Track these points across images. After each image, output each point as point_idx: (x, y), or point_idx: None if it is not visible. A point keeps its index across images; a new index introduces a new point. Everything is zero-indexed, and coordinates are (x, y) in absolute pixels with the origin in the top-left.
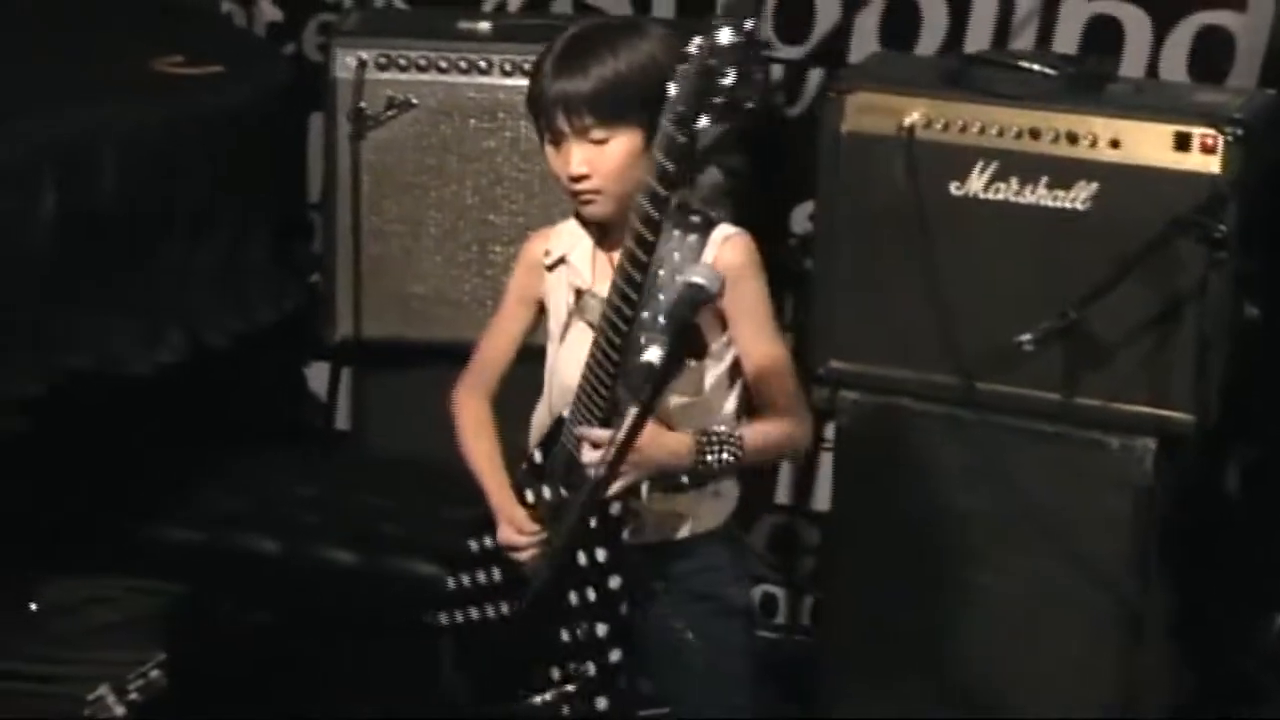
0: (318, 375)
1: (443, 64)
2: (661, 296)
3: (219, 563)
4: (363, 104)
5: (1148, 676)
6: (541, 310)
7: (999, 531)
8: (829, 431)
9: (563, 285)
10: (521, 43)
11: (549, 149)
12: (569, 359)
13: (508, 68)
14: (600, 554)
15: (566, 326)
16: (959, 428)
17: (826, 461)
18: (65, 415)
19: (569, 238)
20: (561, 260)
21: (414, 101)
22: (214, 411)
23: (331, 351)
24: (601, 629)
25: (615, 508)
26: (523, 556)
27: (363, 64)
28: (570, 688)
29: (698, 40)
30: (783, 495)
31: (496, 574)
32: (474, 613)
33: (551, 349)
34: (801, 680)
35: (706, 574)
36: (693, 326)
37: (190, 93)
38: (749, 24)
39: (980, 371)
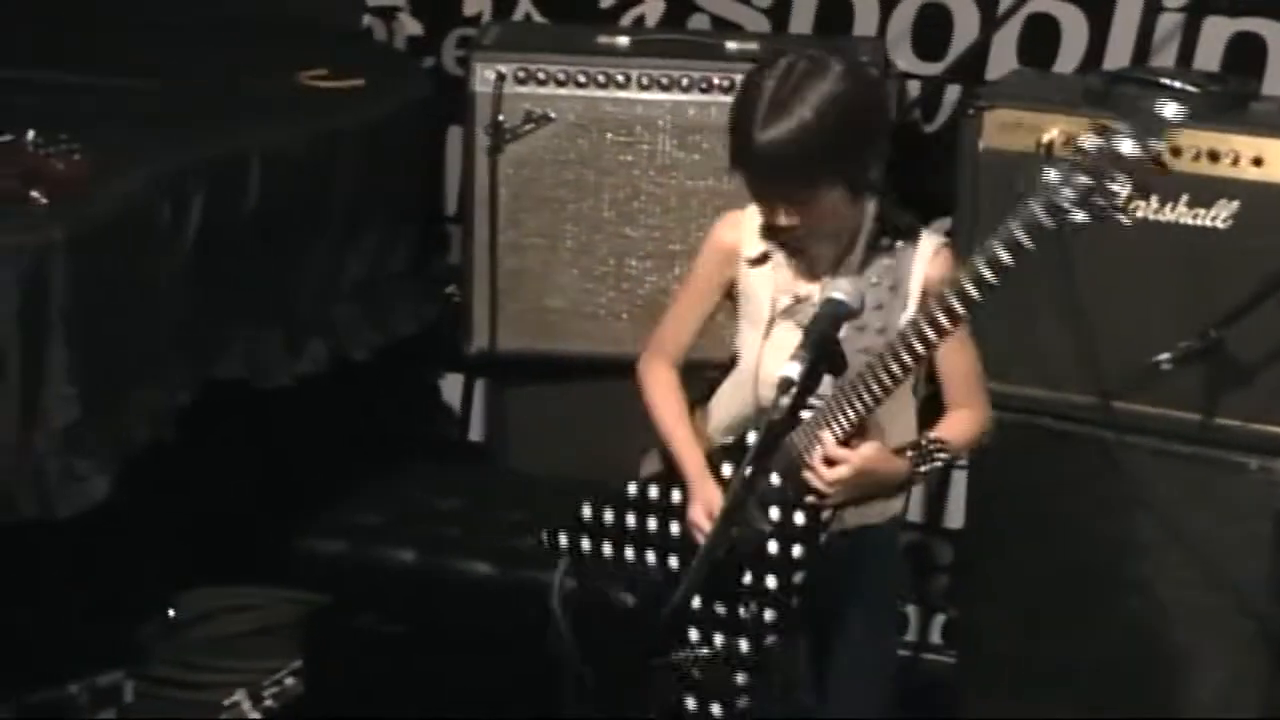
0: (452, 387)
1: (581, 78)
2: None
3: (358, 573)
4: (501, 117)
5: None
6: (727, 295)
7: (1137, 553)
8: None
9: (767, 281)
10: (659, 57)
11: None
12: (780, 355)
13: (645, 82)
14: (796, 550)
15: (770, 325)
16: (1097, 448)
17: (959, 480)
18: (210, 426)
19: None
20: (766, 256)
21: (552, 115)
22: (353, 422)
23: (467, 364)
24: (769, 614)
25: (827, 513)
26: (699, 538)
27: (501, 78)
28: (706, 653)
29: (1097, 140)
30: (915, 513)
31: (649, 523)
32: (604, 548)
33: (752, 338)
34: (933, 699)
35: (885, 561)
36: (834, 341)
37: (334, 106)
38: (1156, 145)
39: (1119, 391)
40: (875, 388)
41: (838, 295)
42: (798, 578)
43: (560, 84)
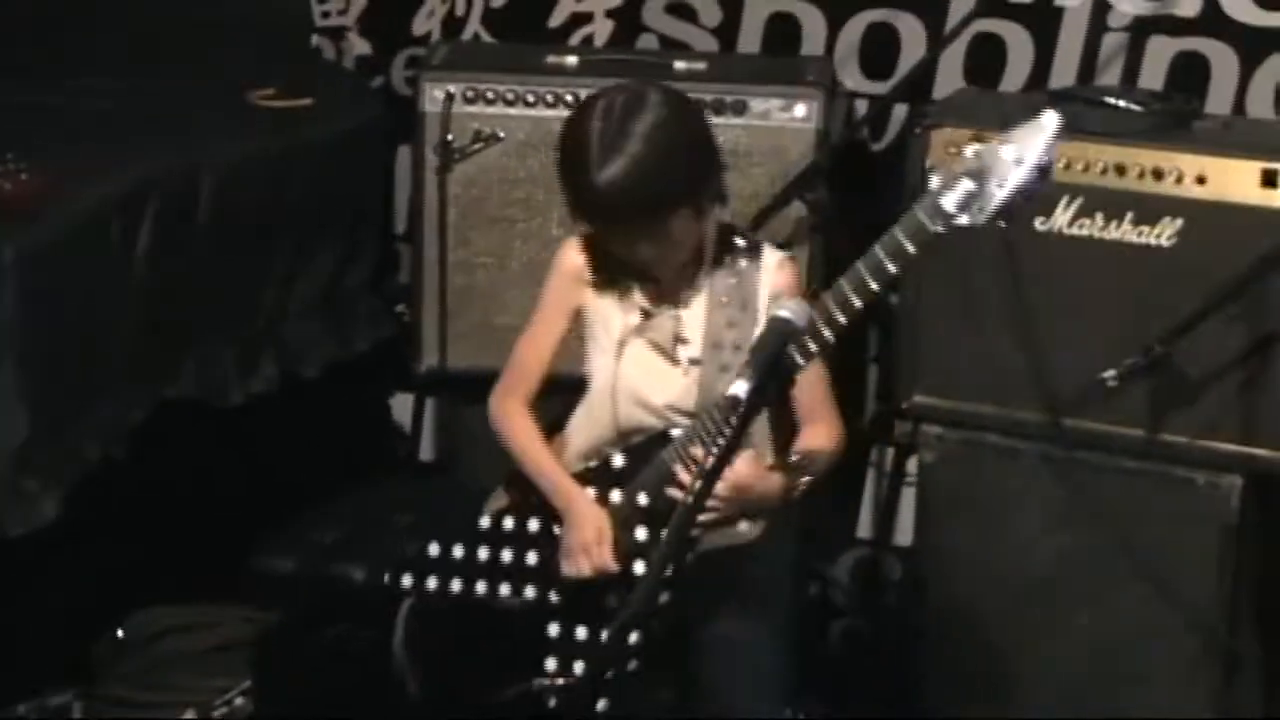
0: (402, 406)
1: (530, 98)
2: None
3: (310, 591)
4: (450, 137)
5: (1238, 713)
6: (576, 319)
7: (1085, 568)
8: (912, 466)
9: (616, 301)
10: (608, 77)
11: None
12: (634, 372)
13: None
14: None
15: (623, 343)
16: (1044, 464)
17: (909, 496)
18: (162, 443)
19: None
20: (612, 278)
21: (500, 135)
22: (304, 440)
23: (417, 382)
24: (633, 637)
25: (695, 531)
26: (584, 566)
27: (450, 97)
28: (563, 681)
29: (977, 148)
30: (865, 529)
31: (503, 555)
32: (453, 585)
33: (603, 361)
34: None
35: (754, 578)
36: (781, 361)
37: (284, 125)
38: (1036, 151)
39: (1066, 407)
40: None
41: (784, 314)
42: (663, 598)
43: (509, 103)
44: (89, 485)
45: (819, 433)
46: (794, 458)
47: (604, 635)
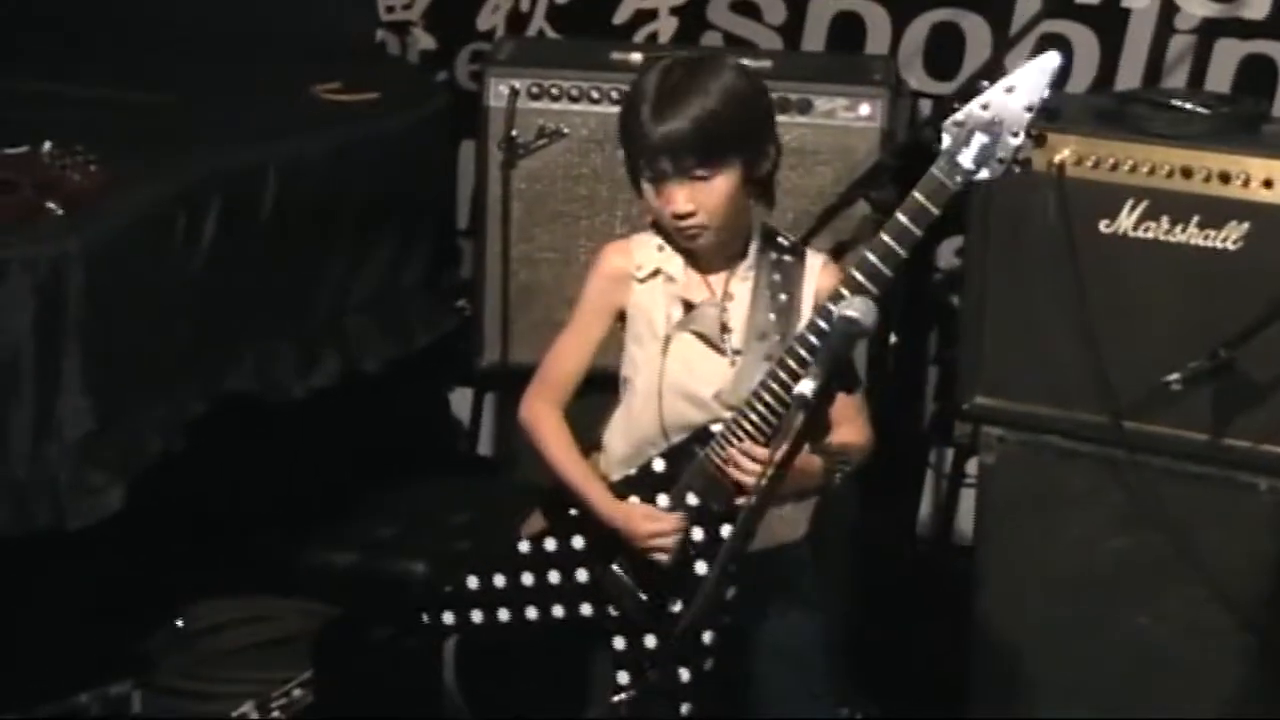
0: (461, 401)
1: (594, 94)
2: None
3: (369, 585)
4: (514, 132)
5: None
6: (617, 321)
7: (1145, 572)
8: (971, 467)
9: (660, 296)
10: None
11: (648, 188)
12: (680, 367)
13: None
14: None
15: (668, 338)
16: (1105, 467)
17: (968, 497)
18: (222, 436)
19: (655, 251)
20: (656, 273)
21: (565, 131)
22: (363, 435)
23: (476, 377)
24: (708, 636)
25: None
26: (667, 546)
27: (515, 93)
28: (639, 691)
29: (984, 100)
30: (923, 530)
31: (550, 577)
32: (500, 615)
33: (646, 357)
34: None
35: (800, 577)
36: (847, 360)
37: (348, 119)
38: (1044, 94)
39: (1129, 411)
40: (783, 391)
41: (852, 313)
42: (730, 593)
43: (573, 99)
44: (150, 477)
45: (851, 433)
46: (831, 444)
47: (673, 638)
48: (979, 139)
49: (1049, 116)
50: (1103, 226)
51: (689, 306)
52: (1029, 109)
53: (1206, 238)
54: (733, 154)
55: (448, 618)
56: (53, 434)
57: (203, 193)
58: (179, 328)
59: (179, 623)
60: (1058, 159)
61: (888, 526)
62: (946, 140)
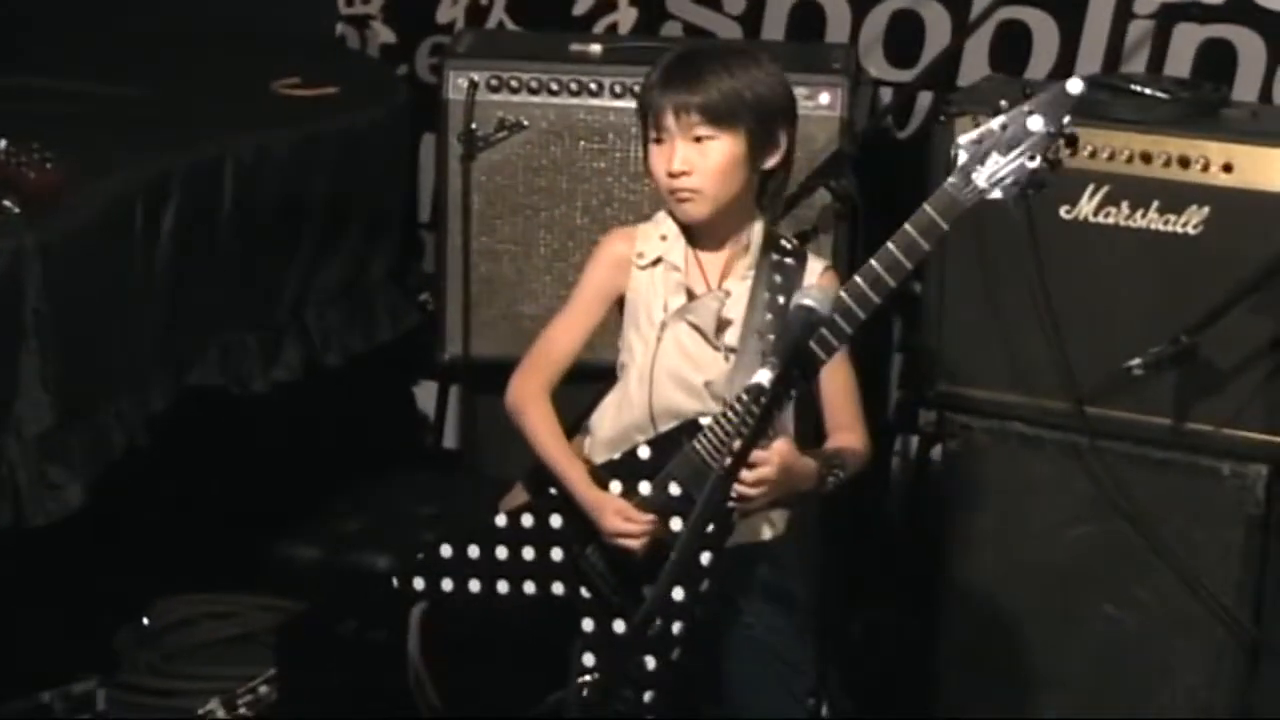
0: (426, 394)
1: (554, 86)
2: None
3: (334, 580)
4: (474, 125)
5: (1262, 703)
6: (613, 307)
7: (1109, 557)
8: (936, 455)
9: (660, 284)
10: (632, 65)
11: (652, 147)
12: (673, 352)
13: (618, 90)
14: (704, 557)
15: (663, 325)
16: (1069, 453)
17: (933, 484)
18: (185, 431)
19: (658, 239)
20: (658, 260)
21: (525, 123)
22: (328, 429)
23: (441, 371)
24: (677, 627)
25: (734, 517)
26: (634, 544)
27: (474, 85)
28: (600, 678)
29: (1003, 119)
30: (888, 519)
31: (524, 553)
32: (471, 585)
33: (642, 342)
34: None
35: (779, 573)
36: (806, 348)
37: (308, 113)
38: (1065, 120)
39: (1091, 396)
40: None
41: (808, 302)
42: (704, 587)
43: (533, 91)
44: (112, 473)
45: (848, 440)
46: (828, 449)
47: (632, 626)
48: (994, 159)
49: (1067, 141)
50: (1063, 212)
51: (690, 297)
52: (1049, 133)
53: (1167, 223)
54: (738, 123)
55: (418, 583)
56: (11, 431)
57: (162, 188)
58: (141, 323)
59: (144, 620)
60: None
61: (853, 515)
62: (962, 156)
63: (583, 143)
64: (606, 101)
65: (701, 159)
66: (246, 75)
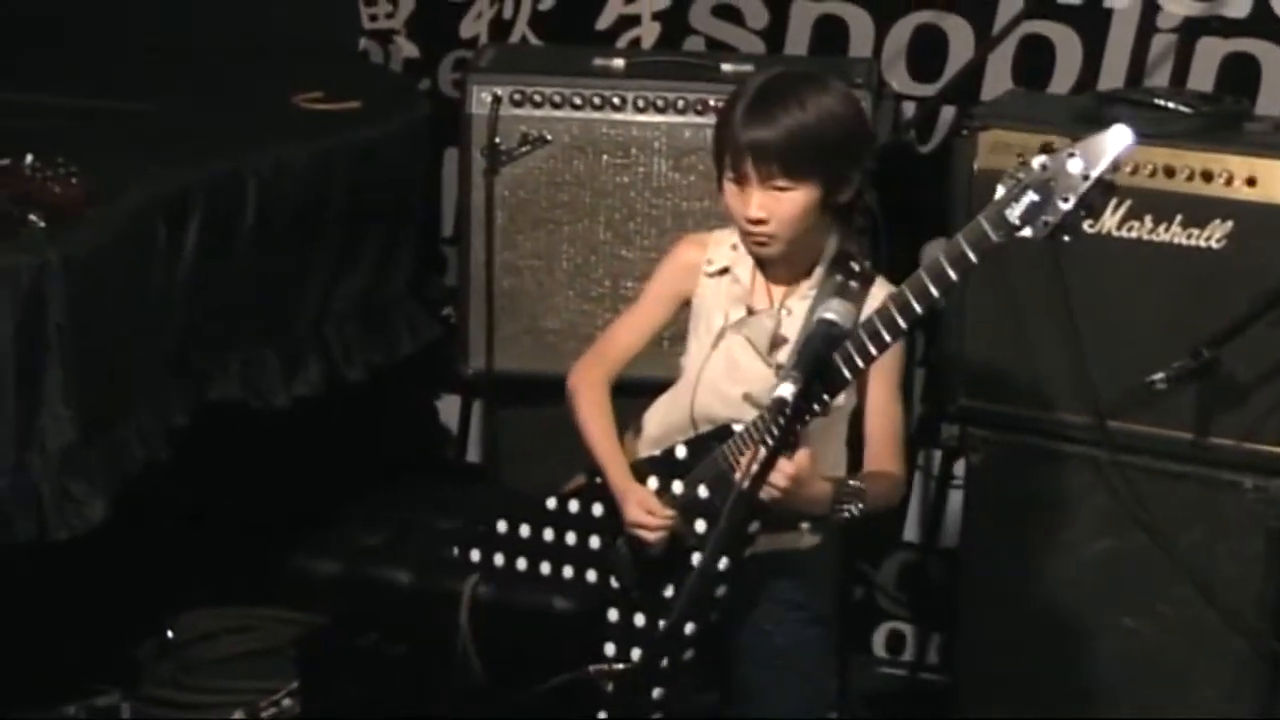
0: (449, 408)
1: (577, 100)
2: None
3: (356, 594)
4: (497, 139)
5: None
6: (680, 310)
7: (1130, 571)
8: (959, 469)
9: (723, 295)
10: (655, 79)
11: (730, 187)
12: (722, 366)
13: (641, 104)
14: (722, 562)
15: (720, 335)
16: (1091, 467)
17: (955, 499)
18: (207, 445)
19: (729, 248)
20: (725, 270)
21: (548, 137)
22: (350, 443)
23: (463, 384)
24: (690, 627)
25: (754, 525)
26: (650, 537)
27: (497, 100)
28: (621, 667)
29: (1044, 160)
30: (911, 533)
31: (567, 538)
32: (518, 563)
33: (698, 350)
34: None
35: (803, 585)
36: (828, 362)
37: (330, 128)
38: (1104, 166)
39: (1113, 410)
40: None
41: (830, 315)
42: (720, 591)
43: (556, 106)
44: (135, 487)
45: (881, 477)
46: (851, 482)
47: (661, 624)
48: (1029, 196)
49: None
50: (1086, 226)
51: (750, 311)
52: (1085, 177)
53: (1190, 237)
54: (816, 172)
55: (474, 554)
56: (35, 445)
57: (184, 202)
58: (162, 337)
59: (168, 633)
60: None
61: (876, 529)
62: (1000, 191)
63: (605, 157)
64: (629, 116)
65: (778, 207)
66: (269, 89)
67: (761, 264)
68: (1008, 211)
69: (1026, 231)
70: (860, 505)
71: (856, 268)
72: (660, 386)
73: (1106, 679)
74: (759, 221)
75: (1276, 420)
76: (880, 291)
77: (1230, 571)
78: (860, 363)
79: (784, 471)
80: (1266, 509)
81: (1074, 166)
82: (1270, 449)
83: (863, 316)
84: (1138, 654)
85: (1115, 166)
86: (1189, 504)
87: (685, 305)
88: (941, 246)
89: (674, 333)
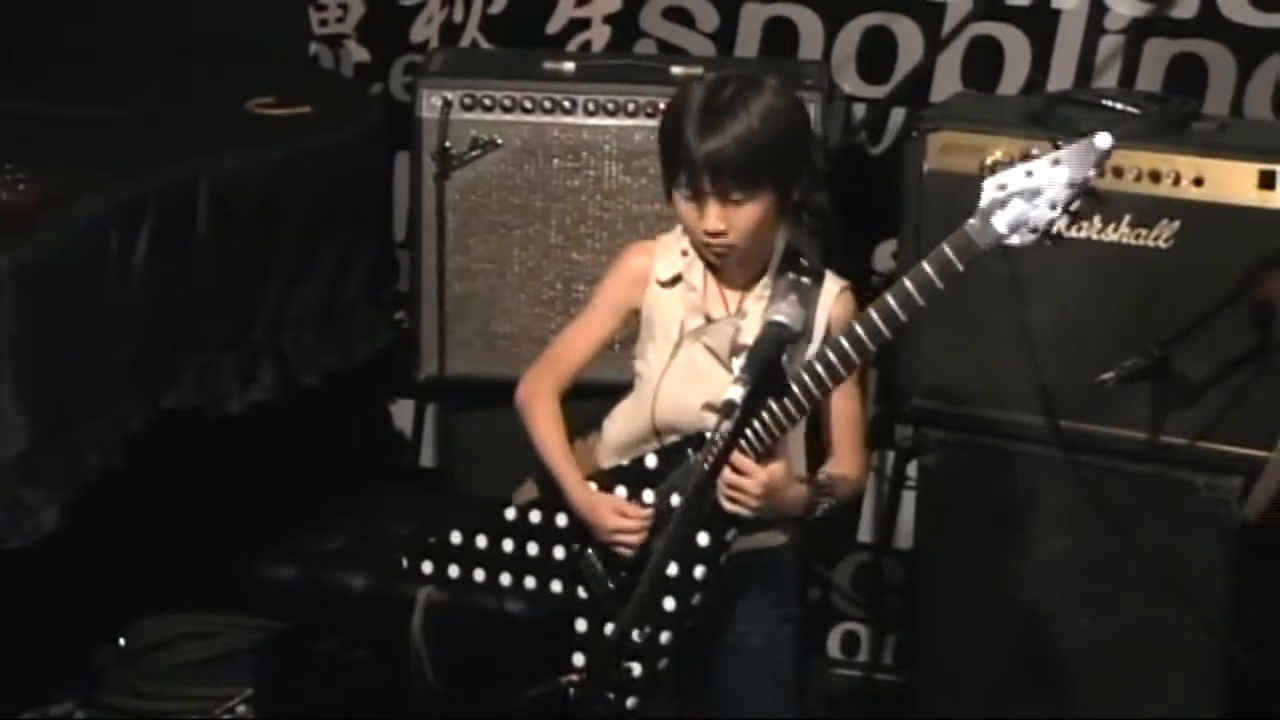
0: (403, 413)
1: (527, 104)
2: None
3: (312, 599)
4: (448, 143)
5: (1241, 716)
6: (629, 319)
7: (1086, 571)
8: (912, 470)
9: (678, 303)
10: (605, 83)
11: (683, 202)
12: (683, 372)
13: (591, 107)
14: (698, 570)
15: (678, 344)
16: (1044, 467)
17: (910, 500)
18: (161, 452)
19: (678, 254)
20: (677, 278)
21: (498, 141)
22: (305, 448)
23: (417, 389)
24: (665, 636)
25: (730, 534)
26: (632, 540)
27: (448, 104)
28: (586, 677)
29: (1028, 167)
30: (866, 534)
31: (528, 548)
32: (475, 574)
33: (655, 360)
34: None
35: (777, 583)
36: (776, 364)
37: (282, 133)
38: (1090, 173)
39: (1066, 410)
40: (791, 410)
41: (780, 319)
42: (696, 600)
43: (507, 110)
44: (89, 494)
45: (845, 464)
46: (820, 477)
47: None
48: (1016, 204)
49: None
50: None
51: (708, 319)
52: (1071, 184)
53: (1138, 237)
54: (769, 179)
55: (426, 566)
56: None
57: (137, 209)
58: (116, 343)
59: (121, 641)
60: (990, 160)
61: (830, 530)
62: (984, 199)
63: (556, 161)
64: (580, 119)
65: (736, 218)
66: (221, 95)
67: (714, 269)
68: (994, 220)
69: (1014, 239)
70: (832, 500)
71: (806, 263)
72: (610, 388)
73: (1063, 679)
74: (717, 234)
75: (1229, 419)
76: (833, 286)
77: (1186, 570)
78: (844, 372)
79: (758, 480)
80: (1221, 507)
81: (1059, 175)
82: (1223, 448)
83: (820, 309)
84: (1095, 654)
85: (1101, 173)
86: (1143, 503)
87: (635, 314)
88: (897, 251)
89: (625, 337)
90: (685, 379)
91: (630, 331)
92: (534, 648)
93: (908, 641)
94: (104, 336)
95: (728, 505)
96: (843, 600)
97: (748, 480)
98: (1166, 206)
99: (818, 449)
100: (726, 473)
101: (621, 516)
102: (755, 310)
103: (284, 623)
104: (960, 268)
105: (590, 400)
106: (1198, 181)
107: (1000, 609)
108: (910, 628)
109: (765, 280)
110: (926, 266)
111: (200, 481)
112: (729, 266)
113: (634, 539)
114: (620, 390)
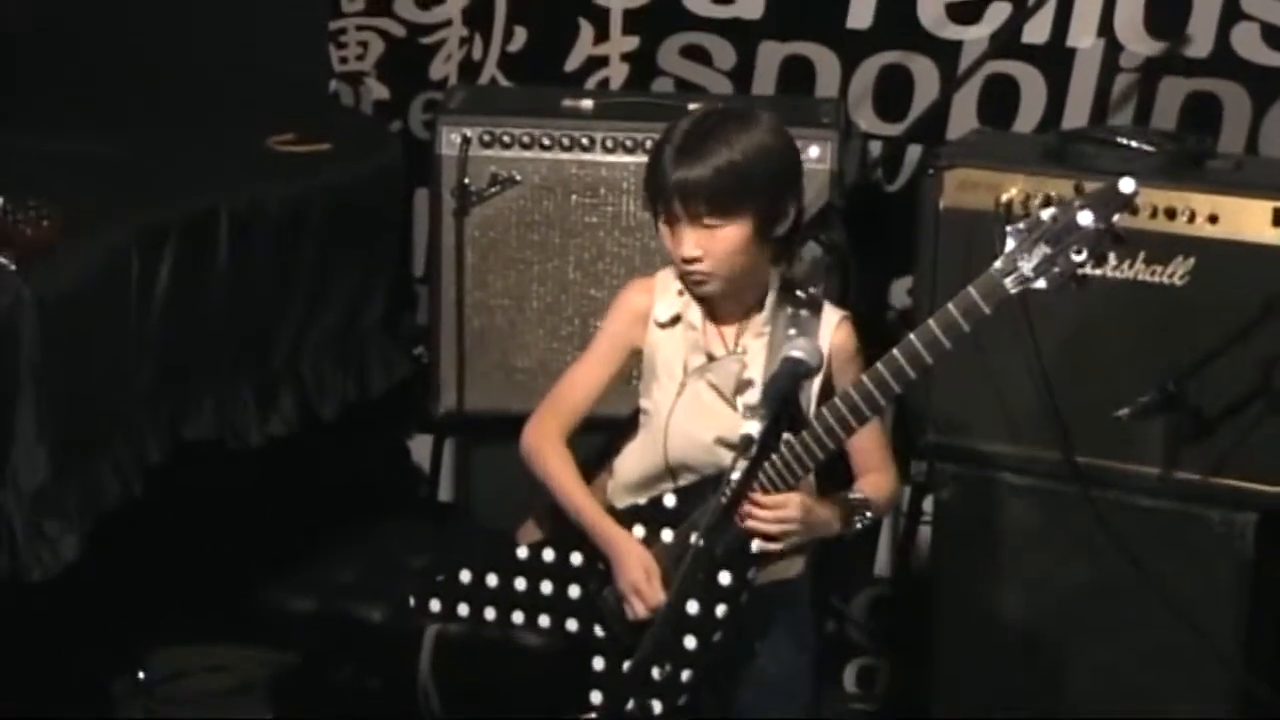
0: (421, 447)
1: (546, 141)
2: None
3: (329, 631)
4: (467, 180)
5: None
6: (631, 359)
7: (1100, 605)
8: (927, 504)
9: (680, 343)
10: (623, 120)
11: (663, 228)
12: (690, 412)
13: (610, 145)
14: (719, 609)
15: (683, 383)
16: (1059, 502)
17: (925, 534)
18: (180, 483)
19: (674, 296)
20: (676, 319)
21: (517, 178)
22: (323, 481)
23: (435, 424)
24: (686, 674)
25: (752, 571)
26: (639, 609)
27: (467, 141)
28: (604, 715)
29: (1054, 211)
30: (882, 567)
31: (542, 587)
32: (486, 613)
33: (662, 399)
34: None
35: (794, 613)
36: (793, 400)
37: (301, 169)
38: (1115, 218)
39: (1080, 445)
40: (815, 449)
41: (796, 354)
42: (716, 637)
43: (525, 147)
44: (108, 524)
45: (876, 481)
46: (854, 495)
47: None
48: (1042, 249)
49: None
50: None
51: (710, 357)
52: (1097, 229)
53: (1153, 274)
54: (746, 208)
55: (434, 605)
56: (8, 483)
57: (157, 242)
58: (136, 375)
59: (140, 673)
60: (1005, 198)
61: (846, 565)
62: (1010, 243)
63: (575, 197)
64: (598, 156)
65: (711, 244)
66: (241, 131)
67: (710, 305)
68: (1021, 264)
69: (1040, 283)
70: (869, 513)
71: (804, 295)
72: (611, 423)
73: (1079, 712)
74: (693, 260)
75: (1242, 454)
76: (832, 315)
77: (1200, 605)
78: (868, 412)
79: (795, 504)
80: (1234, 542)
81: (1084, 218)
82: (1236, 483)
83: (822, 340)
84: (1110, 686)
85: (1122, 216)
86: (1158, 538)
87: (636, 354)
88: (913, 287)
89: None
90: (694, 414)
91: (638, 366)
92: (545, 684)
93: (924, 675)
94: (123, 368)
95: (766, 545)
96: (859, 633)
97: (785, 510)
98: (1181, 244)
99: (831, 473)
100: (761, 510)
101: (646, 579)
102: (755, 346)
103: (301, 654)
104: (987, 311)
105: (592, 434)
106: (1212, 219)
107: (1016, 643)
108: (927, 661)
109: (763, 315)
110: (953, 309)
111: (218, 512)
112: (718, 299)
113: (644, 608)
114: (622, 425)
